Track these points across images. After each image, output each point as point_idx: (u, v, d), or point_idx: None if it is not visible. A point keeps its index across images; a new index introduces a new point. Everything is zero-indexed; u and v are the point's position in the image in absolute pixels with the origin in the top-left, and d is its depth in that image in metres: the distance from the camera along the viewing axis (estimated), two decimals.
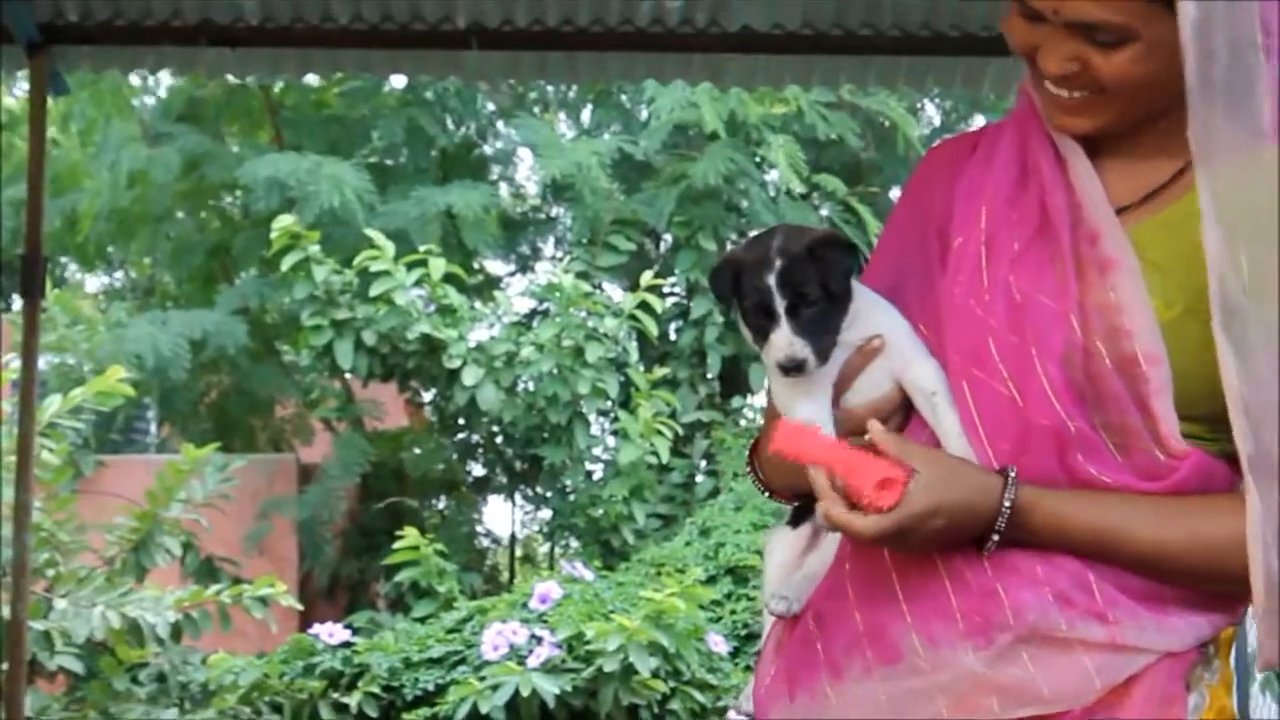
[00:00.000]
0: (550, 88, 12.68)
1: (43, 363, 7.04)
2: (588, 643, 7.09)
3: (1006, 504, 2.00)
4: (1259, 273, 1.93)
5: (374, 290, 9.96)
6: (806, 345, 2.05)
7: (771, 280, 2.06)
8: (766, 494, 2.33)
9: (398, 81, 11.72)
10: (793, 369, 2.06)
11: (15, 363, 7.58)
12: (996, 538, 2.01)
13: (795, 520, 2.22)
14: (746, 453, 2.38)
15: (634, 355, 10.76)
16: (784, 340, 2.05)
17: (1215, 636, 2.09)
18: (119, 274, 14.18)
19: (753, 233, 2.26)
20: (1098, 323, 2.03)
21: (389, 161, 12.11)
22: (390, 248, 9.92)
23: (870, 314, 2.12)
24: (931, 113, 13.48)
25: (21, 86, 10.62)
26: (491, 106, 12.76)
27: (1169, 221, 2.08)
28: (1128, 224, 2.08)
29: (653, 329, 10.38)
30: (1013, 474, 2.01)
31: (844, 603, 2.11)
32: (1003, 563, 2.04)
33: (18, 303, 7.31)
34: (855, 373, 2.12)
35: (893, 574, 2.08)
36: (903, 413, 2.13)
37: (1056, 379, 2.03)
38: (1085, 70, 2.04)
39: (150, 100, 12.62)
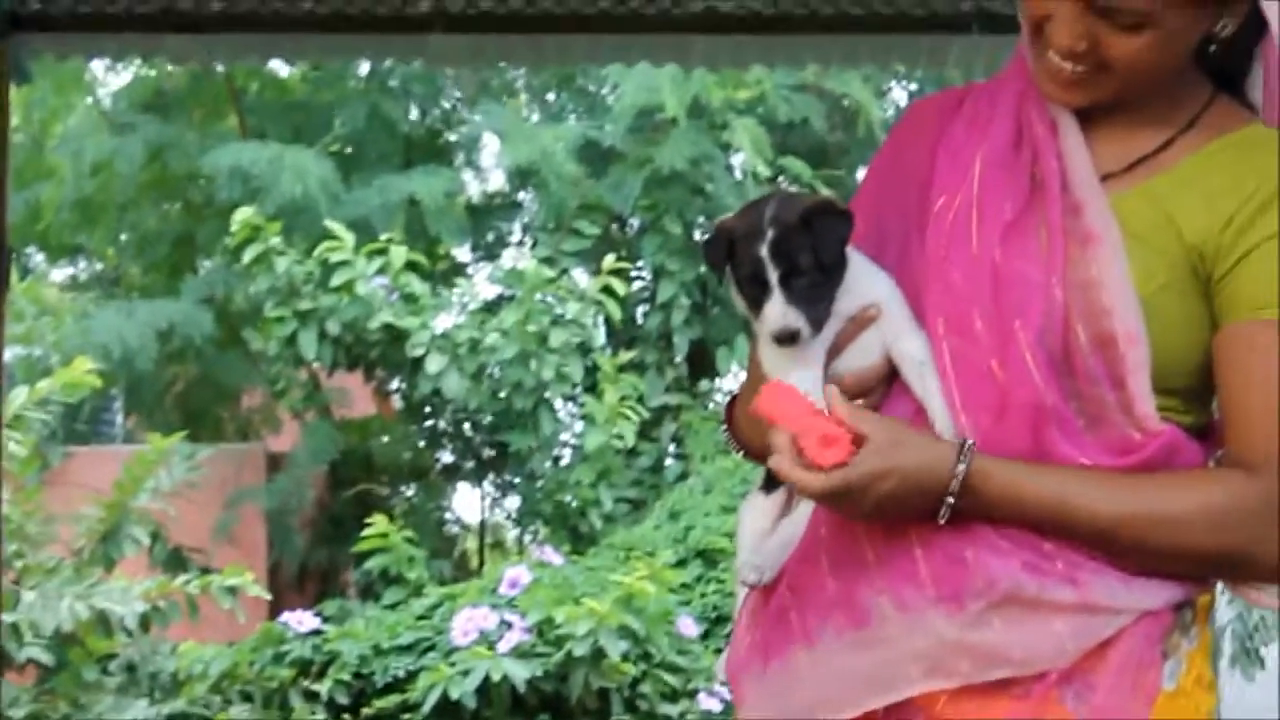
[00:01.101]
0: (515, 73, 12.66)
1: (9, 355, 7.01)
2: (558, 627, 7.09)
3: (959, 470, 1.98)
4: None
5: (335, 280, 9.95)
6: (800, 315, 2.03)
7: (764, 250, 2.03)
8: (740, 453, 2.32)
9: (362, 68, 11.71)
10: (786, 339, 2.04)
11: None
12: (950, 501, 1.99)
13: (768, 486, 2.19)
14: (724, 408, 2.35)
15: (600, 340, 10.76)
16: (778, 311, 2.03)
17: (1192, 601, 2.08)
18: (84, 264, 14.13)
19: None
20: (1078, 298, 2.02)
21: (352, 149, 12.08)
22: (350, 238, 9.91)
23: (864, 281, 2.10)
24: (898, 95, 13.50)
25: None
26: (457, 93, 12.75)
27: (1153, 192, 2.06)
28: (1111, 191, 2.07)
29: (617, 313, 10.37)
30: (969, 444, 2.00)
31: (818, 570, 2.10)
32: (971, 531, 2.02)
33: None
34: (847, 341, 2.10)
35: (864, 541, 2.07)
36: (887, 384, 2.11)
37: (1035, 352, 2.01)
38: (1094, 49, 2.02)
39: (112, 89, 12.58)
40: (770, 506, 2.19)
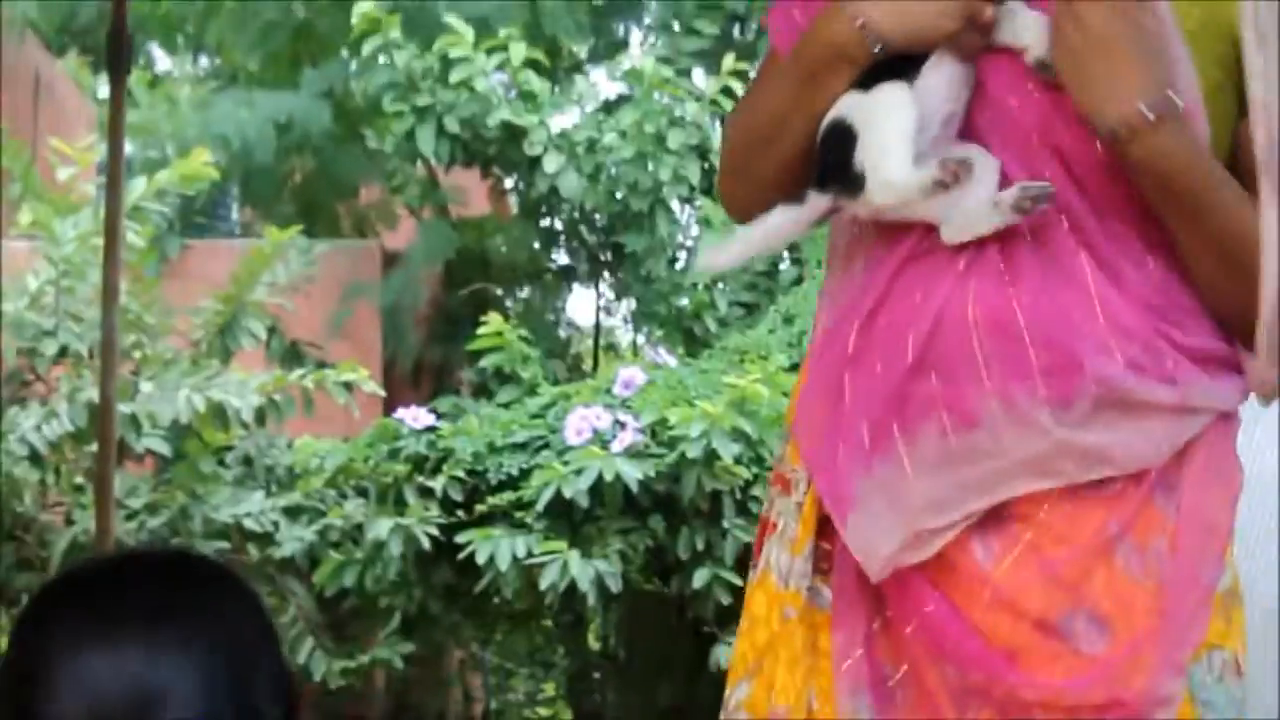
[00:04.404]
0: None
1: (128, 147, 7.02)
2: (671, 429, 7.09)
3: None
4: None
5: (454, 76, 9.88)
6: None
7: None
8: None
9: None
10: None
11: (100, 145, 7.60)
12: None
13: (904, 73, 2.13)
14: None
15: (717, 142, 10.66)
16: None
17: None
18: (203, 56, 14.10)
19: None
20: None
21: None
22: (469, 33, 9.83)
23: None
24: None
25: None
26: None
27: None
28: None
29: None
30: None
31: (922, 369, 2.08)
32: (1083, 330, 2.03)
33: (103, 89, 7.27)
34: None
35: (974, 338, 2.05)
36: None
37: None
38: None
39: None
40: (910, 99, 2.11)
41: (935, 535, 2.07)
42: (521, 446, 7.40)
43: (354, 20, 9.79)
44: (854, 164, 2.09)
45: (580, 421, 7.18)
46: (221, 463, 7.92)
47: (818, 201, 2.18)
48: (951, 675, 2.06)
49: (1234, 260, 2.05)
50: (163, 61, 14.14)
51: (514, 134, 10.11)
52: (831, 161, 2.13)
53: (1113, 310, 2.05)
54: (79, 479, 7.58)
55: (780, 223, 2.23)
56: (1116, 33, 1.99)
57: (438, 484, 7.29)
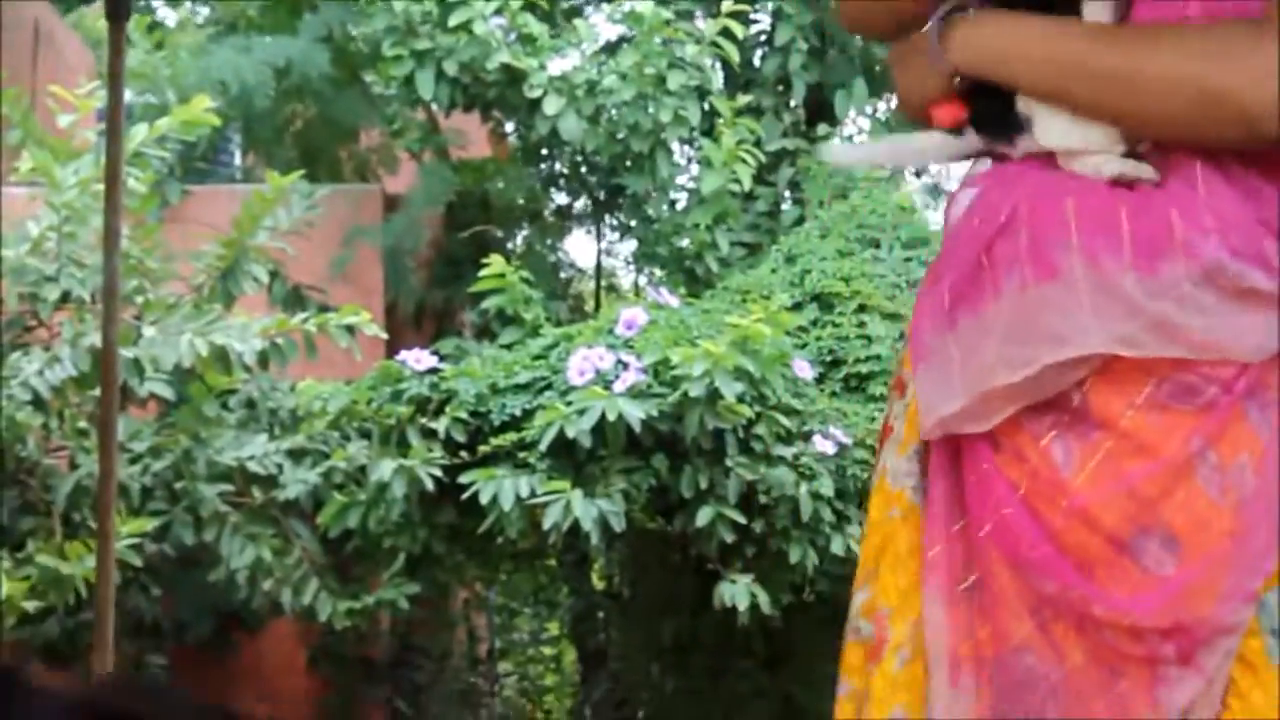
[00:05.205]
0: None
1: (128, 94, 7.00)
2: (673, 368, 7.09)
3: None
4: None
5: (453, 20, 9.87)
6: None
7: None
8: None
9: None
10: None
11: (100, 91, 7.59)
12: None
13: None
14: None
15: (717, 83, 10.65)
16: None
17: None
18: (202, 6, 14.08)
19: None
20: None
21: None
22: None
23: None
24: None
25: None
26: None
27: None
28: None
29: (735, 56, 10.25)
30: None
31: (1014, 225, 2.09)
32: (1181, 200, 2.00)
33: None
34: None
35: (1068, 203, 2.05)
36: None
37: None
38: None
39: None
40: None
41: (1004, 402, 2.06)
42: (524, 387, 7.41)
43: None
44: (1017, 109, 2.13)
45: (583, 362, 7.19)
46: (225, 406, 7.94)
47: (970, 140, 2.22)
48: (1026, 582, 2.04)
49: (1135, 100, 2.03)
50: (163, 11, 14.12)
51: (514, 77, 10.10)
52: (990, 107, 2.16)
53: (1216, 196, 2.01)
54: (82, 423, 7.60)
55: (925, 148, 2.27)
56: None
57: (441, 425, 7.31)
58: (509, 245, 11.19)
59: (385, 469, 7.22)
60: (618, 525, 7.00)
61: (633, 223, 10.92)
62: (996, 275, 2.07)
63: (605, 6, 12.59)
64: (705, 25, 10.66)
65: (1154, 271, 1.98)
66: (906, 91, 2.25)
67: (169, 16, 14.32)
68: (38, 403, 7.29)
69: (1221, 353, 1.98)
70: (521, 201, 11.26)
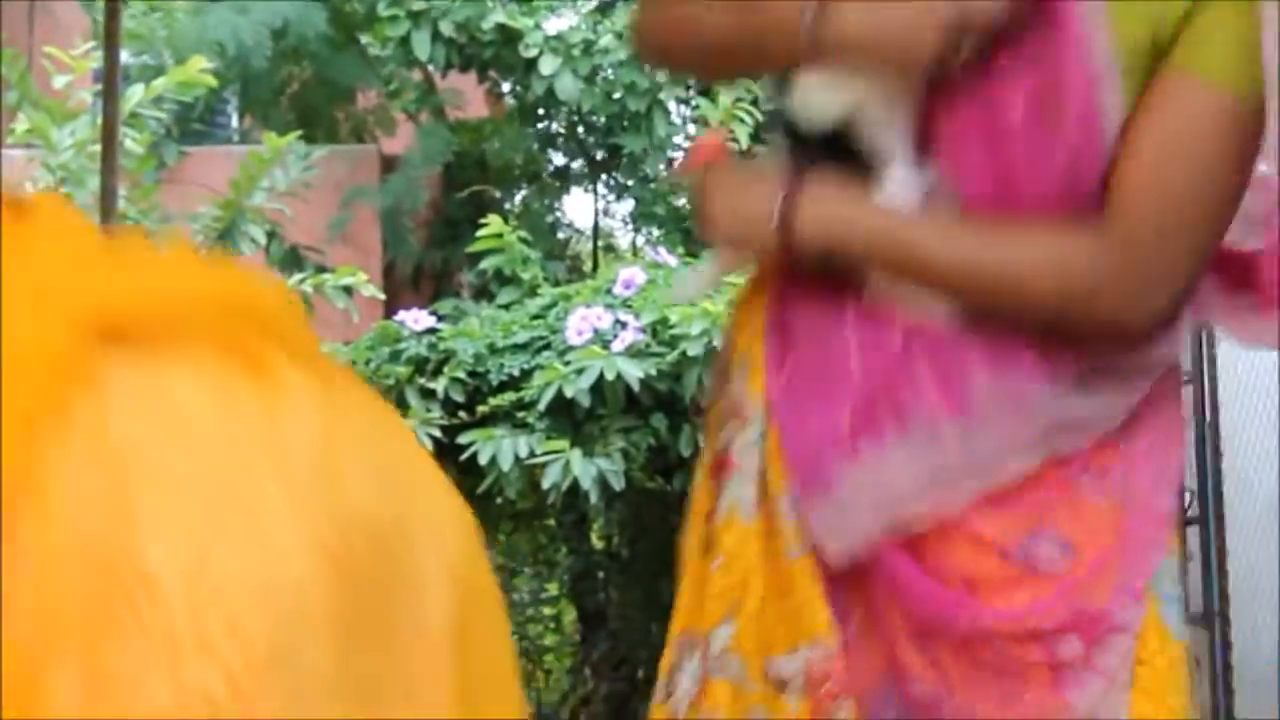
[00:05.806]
0: None
1: (124, 55, 6.98)
2: (671, 327, 7.10)
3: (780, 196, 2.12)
4: None
5: None
6: None
7: None
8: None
9: None
10: None
11: (96, 52, 7.58)
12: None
13: None
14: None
15: None
16: None
17: None
18: None
19: None
20: None
21: None
22: None
23: None
24: None
25: None
26: None
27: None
28: None
29: None
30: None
31: (908, 355, 2.07)
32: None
33: None
34: None
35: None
36: None
37: None
38: None
39: None
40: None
41: (918, 518, 2.04)
42: (522, 347, 7.41)
43: None
44: None
45: (581, 322, 7.20)
46: None
47: None
48: (908, 617, 2.04)
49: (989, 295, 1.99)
50: None
51: (509, 37, 10.08)
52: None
53: None
54: None
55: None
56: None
57: (439, 385, 7.31)
58: (506, 205, 11.18)
59: None
60: (617, 484, 7.02)
61: (630, 182, 10.92)
62: (901, 401, 2.02)
63: None
64: None
65: (1054, 381, 1.99)
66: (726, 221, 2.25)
67: None
68: None
69: (1113, 424, 2.04)
70: (519, 162, 11.25)
